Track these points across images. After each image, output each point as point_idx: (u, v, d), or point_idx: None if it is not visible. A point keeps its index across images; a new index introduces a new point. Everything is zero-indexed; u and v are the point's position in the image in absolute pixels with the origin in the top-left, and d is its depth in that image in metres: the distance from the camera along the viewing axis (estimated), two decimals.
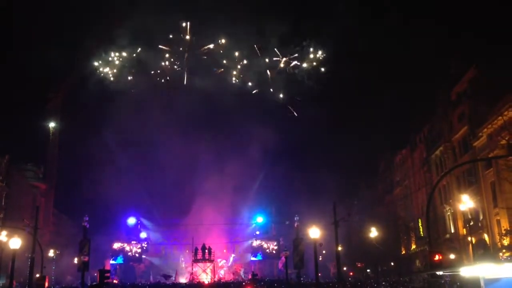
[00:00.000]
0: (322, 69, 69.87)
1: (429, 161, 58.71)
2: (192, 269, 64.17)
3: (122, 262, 69.65)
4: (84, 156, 75.56)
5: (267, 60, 70.48)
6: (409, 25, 79.40)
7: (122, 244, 70.44)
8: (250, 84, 72.52)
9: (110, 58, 71.08)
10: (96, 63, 70.89)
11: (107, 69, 71.26)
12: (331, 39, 68.98)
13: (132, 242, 71.56)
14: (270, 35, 67.78)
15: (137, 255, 70.92)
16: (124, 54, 70.49)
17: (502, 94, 41.15)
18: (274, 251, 69.88)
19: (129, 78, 71.98)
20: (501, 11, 57.57)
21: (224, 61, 70.94)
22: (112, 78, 71.45)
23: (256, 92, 71.83)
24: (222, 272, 70.59)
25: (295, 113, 72.44)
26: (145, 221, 76.03)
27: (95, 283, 40.75)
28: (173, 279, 64.38)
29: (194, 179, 74.55)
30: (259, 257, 70.42)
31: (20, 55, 76.26)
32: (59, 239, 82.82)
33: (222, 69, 71.78)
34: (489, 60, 46.69)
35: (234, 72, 71.85)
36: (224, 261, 72.62)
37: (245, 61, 70.83)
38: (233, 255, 73.94)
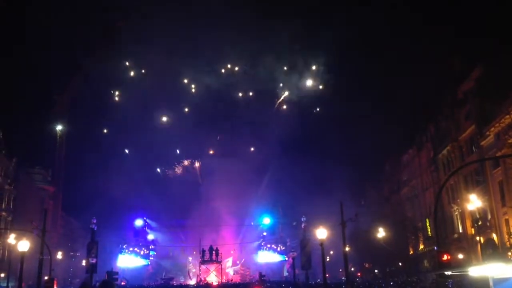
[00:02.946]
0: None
1: (436, 160, 58.41)
2: (200, 270, 64.27)
3: (134, 255, 69.20)
4: (91, 158, 76.02)
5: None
6: (413, 24, 79.17)
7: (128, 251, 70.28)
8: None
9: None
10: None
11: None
12: (339, 39, 69.59)
13: (140, 244, 71.62)
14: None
15: (144, 256, 70.94)
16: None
17: (510, 92, 40.89)
18: (281, 252, 69.72)
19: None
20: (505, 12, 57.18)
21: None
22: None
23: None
24: (231, 272, 70.65)
25: None
26: (152, 223, 76.12)
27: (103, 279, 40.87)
28: (182, 280, 64.57)
29: (200, 180, 74.93)
30: (266, 258, 70.21)
31: (25, 56, 76.81)
32: (67, 242, 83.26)
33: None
34: (495, 57, 46.38)
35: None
36: (231, 262, 72.65)
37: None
38: (238, 256, 73.94)
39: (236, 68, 76.63)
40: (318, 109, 78.58)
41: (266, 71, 74.29)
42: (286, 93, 78.68)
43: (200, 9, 71.81)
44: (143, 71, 75.63)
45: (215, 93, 75.81)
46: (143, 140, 76.70)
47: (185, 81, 77.51)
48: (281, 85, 77.96)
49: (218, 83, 75.30)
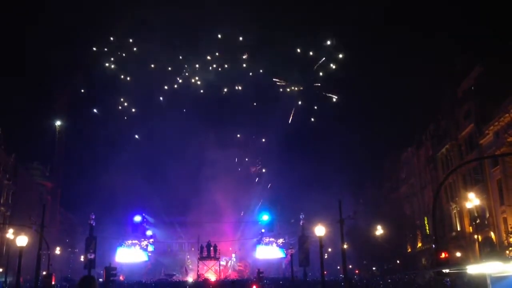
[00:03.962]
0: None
1: (435, 159, 58.47)
2: (198, 267, 64.32)
3: (134, 247, 69.23)
4: (90, 154, 76.03)
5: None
6: (413, 24, 79.25)
7: (128, 242, 70.37)
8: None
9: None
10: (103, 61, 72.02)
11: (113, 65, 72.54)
12: (339, 39, 69.74)
13: (138, 239, 71.59)
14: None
15: (144, 248, 70.94)
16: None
17: (509, 91, 40.90)
18: (280, 246, 69.66)
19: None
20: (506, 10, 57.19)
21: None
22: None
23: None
24: (230, 266, 70.69)
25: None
26: (150, 219, 76.10)
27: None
28: (176, 275, 64.63)
29: (199, 177, 74.79)
30: (264, 255, 70.18)
31: (25, 56, 76.77)
32: (66, 237, 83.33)
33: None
34: (495, 57, 46.40)
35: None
36: (231, 258, 72.65)
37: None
38: (236, 253, 73.94)
39: (237, 62, 76.61)
40: (317, 107, 78.54)
41: (267, 66, 74.45)
42: (285, 89, 78.63)
43: (200, 6, 71.91)
44: (145, 64, 75.49)
45: (215, 86, 75.98)
46: (142, 137, 76.79)
47: (187, 75, 77.54)
48: (279, 88, 78.05)
49: (219, 77, 75.46)
